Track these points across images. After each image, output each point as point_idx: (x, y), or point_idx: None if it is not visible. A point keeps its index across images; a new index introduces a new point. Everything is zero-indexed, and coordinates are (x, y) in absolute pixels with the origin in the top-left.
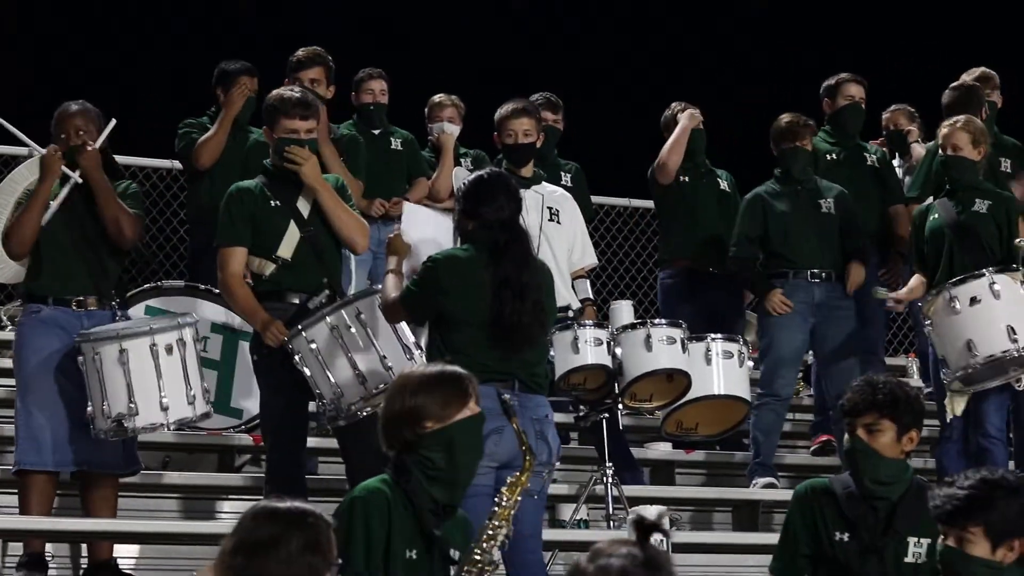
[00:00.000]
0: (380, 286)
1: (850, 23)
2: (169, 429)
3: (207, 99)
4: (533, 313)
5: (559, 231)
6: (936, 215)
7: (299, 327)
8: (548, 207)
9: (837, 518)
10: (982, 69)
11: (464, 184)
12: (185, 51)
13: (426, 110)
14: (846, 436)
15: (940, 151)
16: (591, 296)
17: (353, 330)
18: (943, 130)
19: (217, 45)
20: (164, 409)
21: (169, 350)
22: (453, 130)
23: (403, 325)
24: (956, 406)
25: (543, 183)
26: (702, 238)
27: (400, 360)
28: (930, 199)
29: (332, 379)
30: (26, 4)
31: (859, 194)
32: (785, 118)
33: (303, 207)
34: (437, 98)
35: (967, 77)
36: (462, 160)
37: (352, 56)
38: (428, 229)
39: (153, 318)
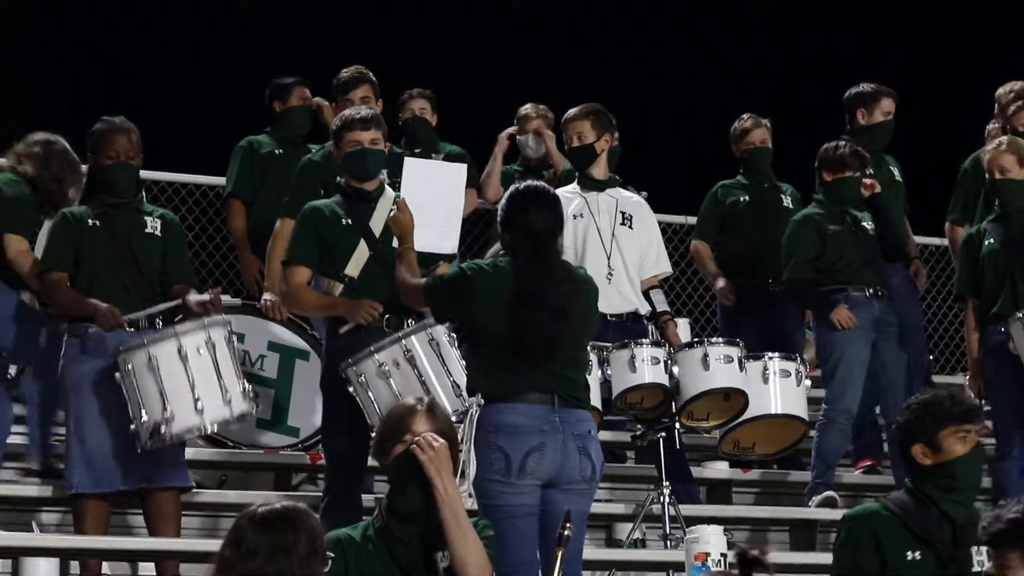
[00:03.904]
0: (430, 320)
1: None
2: (208, 431)
3: (256, 114)
4: (552, 325)
5: (631, 236)
6: (991, 239)
7: (349, 360)
8: (621, 211)
9: (906, 537)
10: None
11: (503, 197)
12: (233, 66)
13: (514, 122)
14: (962, 442)
15: (987, 175)
16: (669, 310)
17: (401, 368)
18: (987, 154)
19: (264, 59)
20: (199, 412)
21: (199, 351)
22: (536, 145)
23: (455, 361)
24: None
25: (619, 188)
26: (761, 256)
27: (450, 398)
28: (982, 223)
29: (381, 412)
30: (59, 13)
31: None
32: (838, 148)
33: (376, 226)
34: (523, 110)
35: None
36: (544, 173)
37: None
38: (432, 182)
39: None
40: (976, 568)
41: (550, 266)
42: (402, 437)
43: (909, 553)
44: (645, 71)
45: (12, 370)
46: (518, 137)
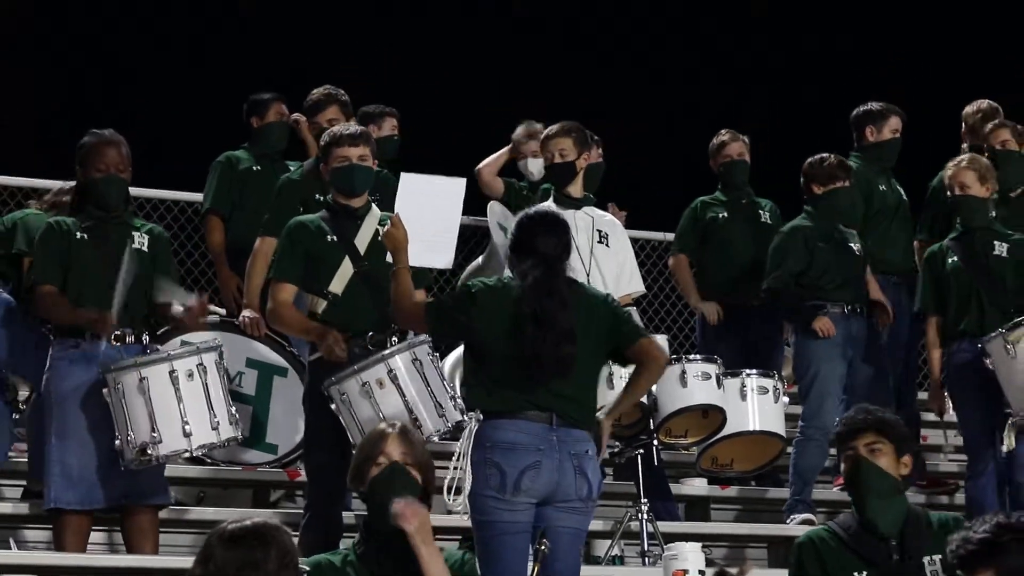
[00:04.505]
0: (418, 338)
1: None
2: (193, 455)
3: (236, 128)
4: (556, 344)
5: (607, 254)
6: (955, 258)
7: (332, 378)
8: (598, 230)
9: (850, 559)
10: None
11: (514, 221)
12: (213, 81)
13: (512, 145)
14: (847, 461)
15: (948, 192)
16: (643, 327)
17: (384, 387)
18: (948, 170)
19: (244, 74)
20: (187, 435)
21: (190, 376)
22: (536, 168)
23: (438, 381)
24: (1010, 440)
25: (593, 207)
26: (740, 272)
27: (433, 418)
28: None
29: (363, 431)
30: (52, 28)
31: (895, 229)
32: (824, 160)
33: (361, 243)
34: (518, 133)
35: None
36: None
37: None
38: (428, 196)
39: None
40: None
41: (558, 289)
42: (376, 460)
43: (855, 574)
44: (645, 71)
45: (20, 394)
46: (519, 162)
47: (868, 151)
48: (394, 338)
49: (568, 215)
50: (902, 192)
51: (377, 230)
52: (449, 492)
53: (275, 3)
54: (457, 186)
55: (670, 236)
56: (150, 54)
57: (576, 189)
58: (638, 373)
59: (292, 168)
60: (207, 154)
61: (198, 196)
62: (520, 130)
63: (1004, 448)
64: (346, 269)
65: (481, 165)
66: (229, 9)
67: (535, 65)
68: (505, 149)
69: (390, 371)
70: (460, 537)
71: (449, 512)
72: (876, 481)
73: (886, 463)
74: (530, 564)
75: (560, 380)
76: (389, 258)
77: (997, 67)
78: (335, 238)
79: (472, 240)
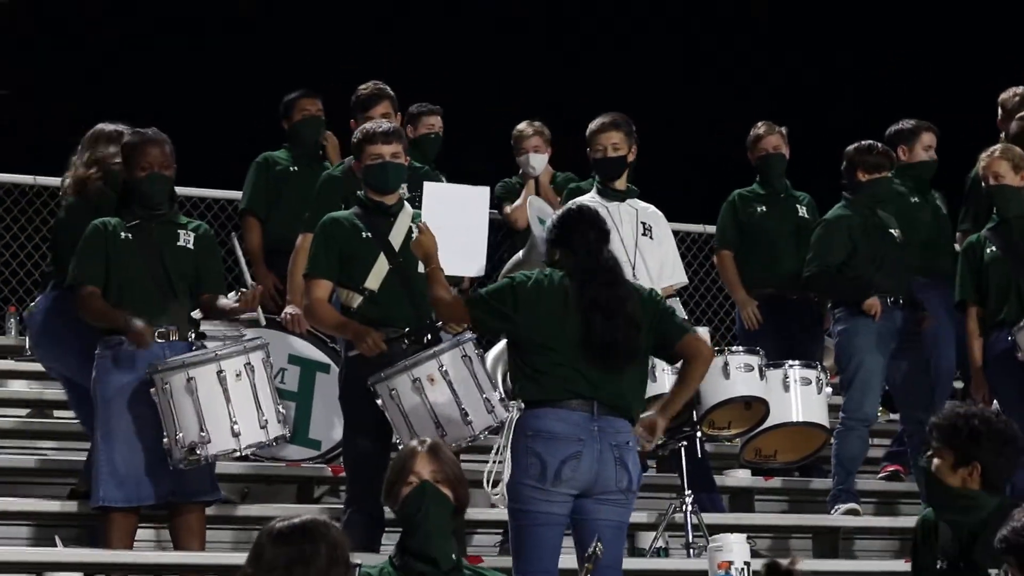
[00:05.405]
0: (465, 335)
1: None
2: (242, 454)
3: (263, 125)
4: (626, 330)
5: (651, 246)
6: (993, 247)
7: (381, 374)
8: (642, 222)
9: (933, 548)
10: None
11: (554, 216)
12: (239, 73)
13: (512, 141)
14: None
15: (983, 182)
16: (687, 318)
17: (435, 384)
18: (982, 161)
19: (270, 65)
20: (236, 435)
21: (238, 376)
22: (537, 163)
23: (486, 378)
24: None
25: (637, 199)
26: (780, 265)
27: (481, 415)
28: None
29: (413, 429)
30: (59, 14)
31: (933, 238)
32: (872, 148)
33: (395, 239)
34: (519, 128)
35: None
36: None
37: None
38: (454, 205)
39: (220, 345)
40: None
41: (621, 279)
42: (407, 479)
43: (939, 562)
44: (647, 72)
45: None
46: (518, 158)
47: (903, 171)
48: (428, 336)
49: (613, 208)
50: (942, 207)
51: (411, 227)
52: (489, 481)
53: (279, 6)
54: (481, 195)
55: (711, 229)
56: (150, 53)
57: (621, 182)
58: (686, 371)
59: (330, 168)
60: (215, 164)
61: (234, 194)
62: (522, 125)
63: None
64: (382, 265)
65: (515, 209)
66: (230, 11)
67: (535, 65)
68: (530, 184)
69: (441, 367)
70: (500, 531)
71: (492, 506)
72: (929, 488)
73: (942, 468)
74: (583, 567)
75: (609, 371)
76: (422, 268)
77: (998, 71)
78: (370, 234)
79: (500, 233)
